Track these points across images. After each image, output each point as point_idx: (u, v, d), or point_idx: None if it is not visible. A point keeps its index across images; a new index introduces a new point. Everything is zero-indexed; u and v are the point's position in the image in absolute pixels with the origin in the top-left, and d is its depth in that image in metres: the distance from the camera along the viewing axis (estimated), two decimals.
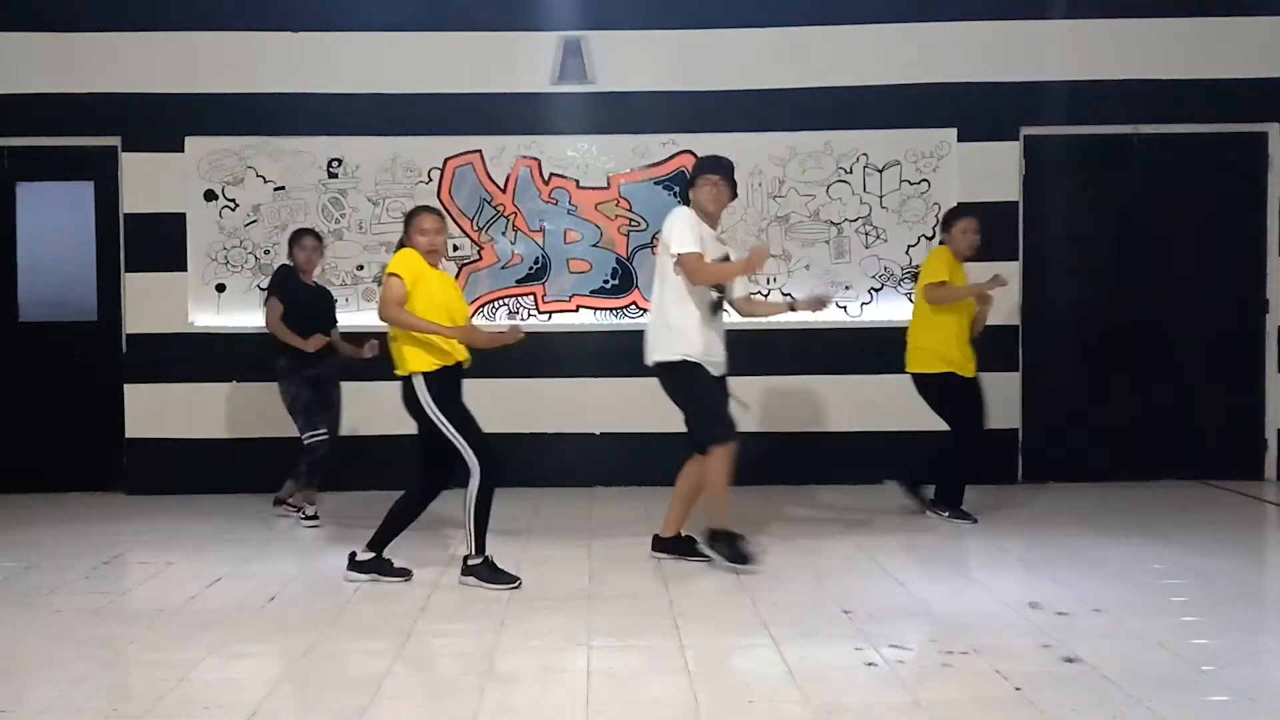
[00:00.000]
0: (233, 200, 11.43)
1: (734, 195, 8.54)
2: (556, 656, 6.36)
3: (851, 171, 11.52)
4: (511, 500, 10.49)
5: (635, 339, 8.65)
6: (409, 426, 7.89)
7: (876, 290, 11.57)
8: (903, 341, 9.92)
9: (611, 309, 11.55)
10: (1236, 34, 11.54)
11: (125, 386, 11.47)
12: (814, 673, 6.03)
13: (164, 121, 11.36)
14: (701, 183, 8.31)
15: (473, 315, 11.30)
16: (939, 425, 9.97)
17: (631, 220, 11.59)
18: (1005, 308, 11.41)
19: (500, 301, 11.54)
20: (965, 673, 6.03)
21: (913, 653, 6.34)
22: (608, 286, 11.59)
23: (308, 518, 9.96)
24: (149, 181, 11.37)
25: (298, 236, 10.21)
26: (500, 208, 11.55)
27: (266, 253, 11.39)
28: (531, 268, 11.59)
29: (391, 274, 7.69)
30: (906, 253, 11.33)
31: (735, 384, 8.48)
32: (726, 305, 8.47)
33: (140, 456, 11.43)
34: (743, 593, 7.60)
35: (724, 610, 7.24)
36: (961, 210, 10.11)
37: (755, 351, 10.46)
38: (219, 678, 6.11)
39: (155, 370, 11.38)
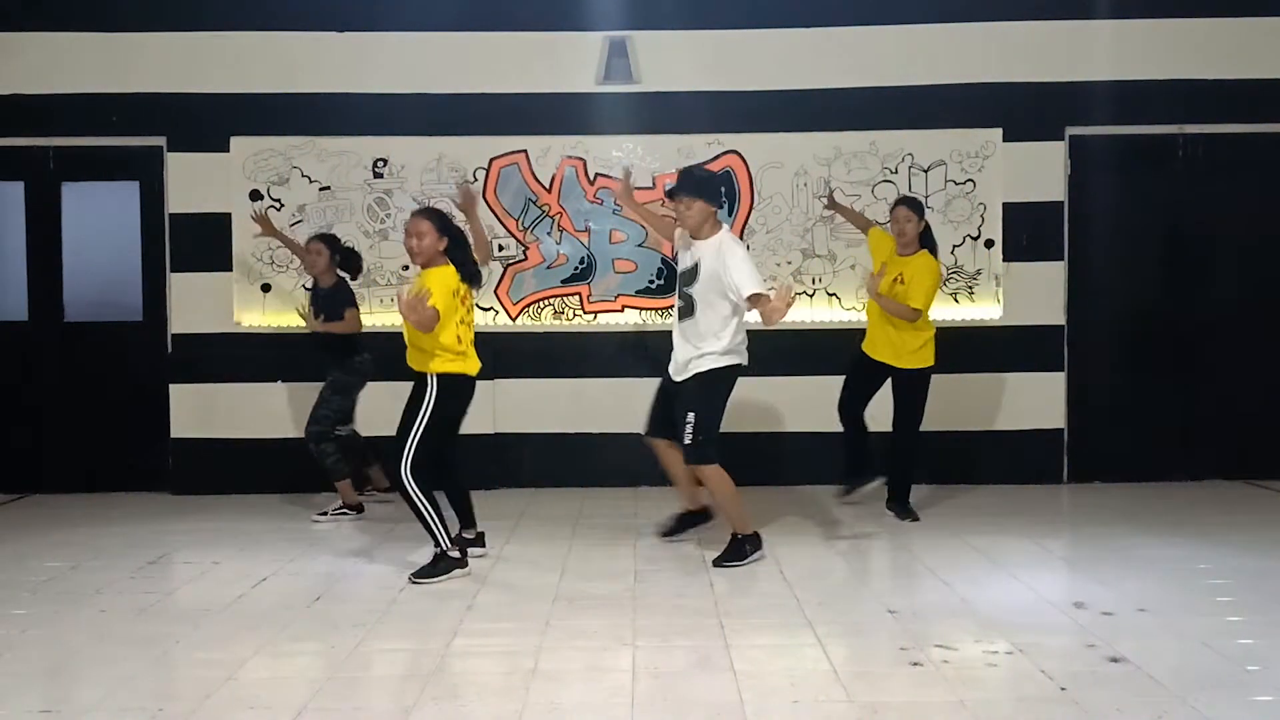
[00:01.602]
0: (278, 200, 11.46)
1: (719, 205, 8.62)
2: (601, 656, 6.38)
3: (897, 172, 11.47)
4: (557, 500, 10.54)
5: None
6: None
7: None
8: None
9: (657, 309, 11.49)
10: None
11: (170, 386, 11.50)
12: (859, 672, 6.04)
13: (209, 121, 11.40)
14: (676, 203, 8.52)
15: (517, 315, 11.37)
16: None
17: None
18: (1051, 307, 11.41)
19: (546, 301, 11.55)
20: (1010, 672, 6.03)
21: (957, 652, 6.32)
22: (653, 286, 11.55)
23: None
24: (194, 181, 11.40)
25: None
26: (545, 208, 11.56)
27: None
28: (577, 268, 11.58)
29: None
30: (952, 253, 11.26)
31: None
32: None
33: (185, 456, 11.47)
34: (788, 592, 7.60)
35: (769, 610, 7.23)
36: (899, 200, 9.94)
37: (817, 349, 10.47)
38: (266, 676, 6.15)
39: (200, 370, 11.42)
